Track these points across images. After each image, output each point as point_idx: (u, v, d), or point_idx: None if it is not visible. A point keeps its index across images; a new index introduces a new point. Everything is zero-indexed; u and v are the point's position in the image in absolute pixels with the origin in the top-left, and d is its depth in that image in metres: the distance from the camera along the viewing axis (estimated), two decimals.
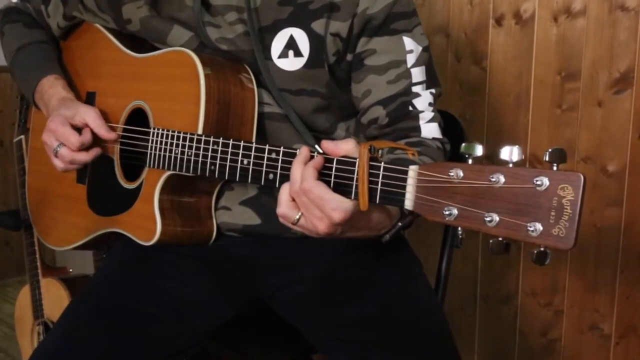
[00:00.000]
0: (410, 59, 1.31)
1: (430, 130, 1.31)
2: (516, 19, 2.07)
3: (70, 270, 2.20)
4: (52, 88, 1.48)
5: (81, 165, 1.42)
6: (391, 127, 1.31)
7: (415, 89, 1.31)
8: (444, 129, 1.35)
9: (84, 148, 1.38)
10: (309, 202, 1.02)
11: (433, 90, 1.34)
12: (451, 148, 1.35)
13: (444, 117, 1.39)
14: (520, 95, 2.10)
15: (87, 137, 1.37)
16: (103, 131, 1.38)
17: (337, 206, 1.01)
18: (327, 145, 1.05)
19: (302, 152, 1.06)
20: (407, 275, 1.39)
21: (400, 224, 1.12)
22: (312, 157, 1.06)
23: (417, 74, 1.32)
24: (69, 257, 2.63)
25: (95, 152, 1.40)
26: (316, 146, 1.07)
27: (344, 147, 1.04)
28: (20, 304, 2.24)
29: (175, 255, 1.41)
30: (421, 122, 1.31)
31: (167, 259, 1.41)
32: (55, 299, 2.09)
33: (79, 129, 1.38)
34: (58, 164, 1.39)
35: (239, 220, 1.38)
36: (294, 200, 1.05)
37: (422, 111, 1.31)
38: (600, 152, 2.02)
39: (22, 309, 2.22)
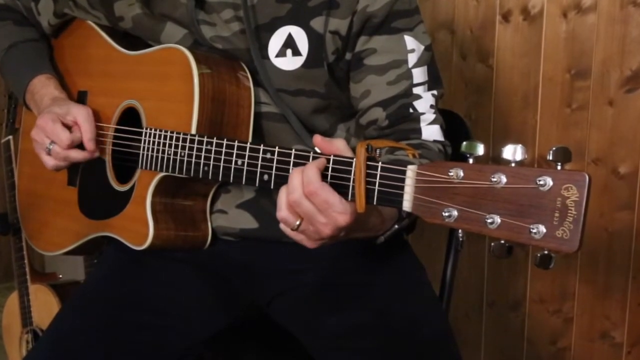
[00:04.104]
0: (412, 59, 1.31)
1: (431, 132, 1.31)
2: (524, 15, 2.07)
3: (60, 276, 2.21)
4: (44, 88, 1.48)
5: (71, 164, 1.42)
6: (391, 129, 1.32)
7: (416, 90, 1.32)
8: (448, 130, 1.35)
9: (77, 146, 1.38)
10: (312, 208, 1.01)
11: (435, 92, 1.34)
12: (455, 149, 1.35)
13: (448, 117, 1.39)
14: (528, 94, 2.11)
15: (78, 135, 1.38)
16: (87, 137, 1.37)
17: (343, 209, 1.00)
18: (322, 140, 1.05)
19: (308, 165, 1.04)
20: (408, 281, 1.39)
21: (396, 226, 1.13)
22: (314, 158, 1.05)
23: (419, 75, 1.32)
24: (59, 263, 2.64)
25: (89, 153, 1.39)
26: (315, 148, 1.08)
27: (336, 144, 1.04)
28: (8, 311, 2.24)
29: (169, 260, 1.41)
30: (422, 125, 1.31)
31: (161, 264, 1.41)
32: (45, 306, 2.09)
33: (70, 128, 1.39)
34: (49, 161, 1.39)
35: (236, 224, 1.38)
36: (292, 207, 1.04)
37: (423, 113, 1.31)
38: (611, 153, 2.03)
39: (10, 317, 2.22)
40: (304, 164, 1.04)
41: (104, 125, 1.42)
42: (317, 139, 1.06)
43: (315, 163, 1.02)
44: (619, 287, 2.08)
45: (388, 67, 1.31)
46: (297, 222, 1.03)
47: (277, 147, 1.11)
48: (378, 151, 0.98)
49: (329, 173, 1.03)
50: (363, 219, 1.05)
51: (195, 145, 1.23)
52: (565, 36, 2.03)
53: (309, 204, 1.01)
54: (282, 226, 1.06)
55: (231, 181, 1.18)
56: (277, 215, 1.05)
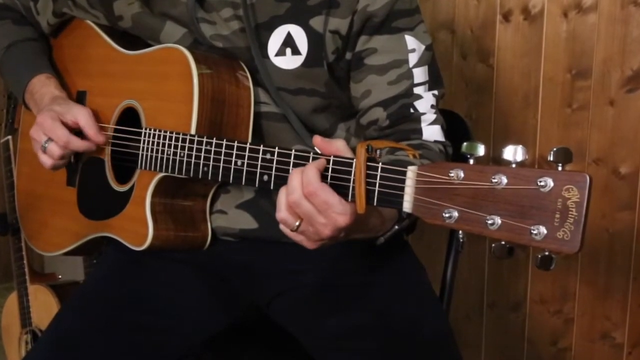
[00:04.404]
0: (412, 59, 1.31)
1: (432, 132, 1.31)
2: (524, 15, 2.07)
3: (60, 276, 2.21)
4: (44, 87, 1.48)
5: (68, 162, 1.42)
6: (391, 129, 1.31)
7: (417, 90, 1.31)
8: (448, 130, 1.35)
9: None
10: (312, 209, 1.01)
11: (436, 92, 1.34)
12: (455, 149, 1.35)
13: (449, 117, 1.39)
14: (528, 94, 2.11)
15: (77, 141, 1.38)
16: (92, 132, 1.38)
17: (343, 210, 1.00)
18: (321, 140, 1.05)
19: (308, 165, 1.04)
20: (408, 282, 1.39)
21: (396, 227, 1.13)
22: (314, 158, 1.05)
23: (419, 75, 1.32)
24: (58, 263, 2.64)
25: (87, 144, 1.39)
26: (315, 148, 1.07)
27: (336, 144, 1.04)
28: (7, 311, 2.24)
29: (169, 260, 1.41)
30: (423, 125, 1.31)
31: (160, 264, 1.41)
32: (44, 306, 2.09)
33: (69, 127, 1.39)
34: (46, 160, 1.39)
35: (235, 224, 1.38)
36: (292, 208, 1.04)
37: (424, 113, 1.31)
38: (612, 153, 2.03)
39: (9, 317, 2.22)
40: (303, 165, 1.04)
41: (103, 125, 1.42)
42: (317, 139, 1.06)
43: (315, 164, 1.02)
44: (620, 287, 2.08)
45: (389, 67, 1.31)
46: (297, 223, 1.03)
47: (276, 148, 1.11)
48: (378, 152, 0.98)
49: (329, 174, 1.02)
50: (363, 219, 1.05)
51: (195, 146, 1.22)
52: (565, 36, 2.03)
53: (308, 204, 1.01)
54: (281, 227, 1.06)
55: (231, 182, 1.18)
56: (277, 216, 1.05)
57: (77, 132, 1.40)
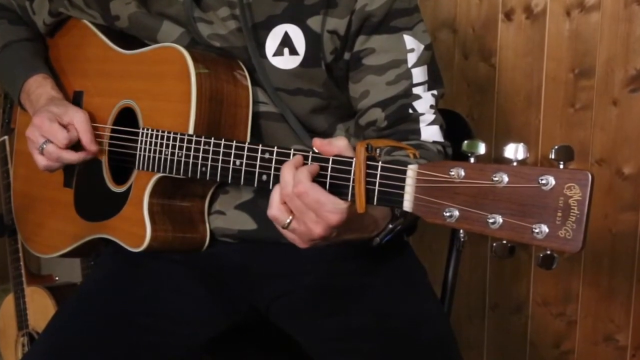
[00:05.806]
0: (411, 59, 1.31)
1: (430, 133, 1.31)
2: (527, 14, 2.07)
3: (57, 278, 2.21)
4: (40, 88, 1.48)
5: (64, 165, 1.42)
6: (390, 130, 1.32)
7: (416, 90, 1.31)
8: (450, 130, 1.35)
9: (72, 147, 1.38)
10: (303, 206, 1.01)
11: (435, 92, 1.34)
12: (456, 149, 1.35)
13: (450, 117, 1.39)
14: (531, 94, 2.11)
15: (74, 134, 1.37)
16: (87, 139, 1.37)
17: (334, 209, 1.00)
18: (321, 143, 1.05)
19: (296, 157, 1.06)
20: (408, 283, 1.39)
21: (390, 226, 1.13)
22: (305, 164, 1.05)
23: (419, 75, 1.32)
24: (55, 265, 2.63)
25: (84, 154, 1.39)
26: (314, 147, 1.08)
27: (337, 144, 1.04)
28: (3, 313, 2.24)
29: (167, 262, 1.41)
30: (421, 125, 1.31)
31: (158, 266, 1.41)
32: (41, 308, 2.09)
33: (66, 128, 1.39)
34: (42, 161, 1.39)
35: (234, 225, 1.38)
36: (285, 203, 1.05)
37: (423, 114, 1.31)
38: (615, 153, 2.03)
39: (5, 319, 2.22)
40: (302, 164, 1.05)
41: (100, 125, 1.42)
42: (316, 142, 1.06)
43: (307, 167, 1.03)
44: (623, 289, 2.08)
45: (387, 67, 1.31)
46: (288, 220, 1.04)
47: (275, 147, 1.11)
48: (378, 151, 0.98)
49: (329, 173, 1.03)
50: (355, 218, 1.05)
51: (193, 146, 1.22)
52: (568, 35, 2.03)
53: (300, 202, 1.02)
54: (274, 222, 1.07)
55: (229, 182, 1.18)
56: (268, 213, 1.06)
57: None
